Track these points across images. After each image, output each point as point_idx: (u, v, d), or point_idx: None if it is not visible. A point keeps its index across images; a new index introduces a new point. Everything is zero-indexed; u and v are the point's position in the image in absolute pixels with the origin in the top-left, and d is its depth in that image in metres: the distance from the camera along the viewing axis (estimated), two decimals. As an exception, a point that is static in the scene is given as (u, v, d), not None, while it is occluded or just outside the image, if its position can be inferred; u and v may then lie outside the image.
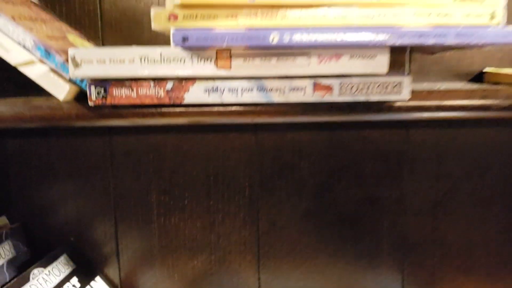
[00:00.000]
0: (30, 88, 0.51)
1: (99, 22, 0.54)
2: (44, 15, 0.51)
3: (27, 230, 0.57)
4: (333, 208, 0.57)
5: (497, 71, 0.49)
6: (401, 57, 0.52)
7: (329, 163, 0.56)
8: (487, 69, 0.52)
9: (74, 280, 0.54)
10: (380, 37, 0.34)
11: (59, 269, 0.53)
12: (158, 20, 0.34)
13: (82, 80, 0.41)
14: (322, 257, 0.58)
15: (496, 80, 0.49)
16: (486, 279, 0.58)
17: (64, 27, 0.53)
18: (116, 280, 0.59)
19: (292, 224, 0.57)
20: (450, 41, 0.33)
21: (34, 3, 0.53)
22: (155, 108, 0.39)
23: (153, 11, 0.34)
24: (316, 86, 0.37)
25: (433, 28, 0.33)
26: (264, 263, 0.58)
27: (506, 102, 0.41)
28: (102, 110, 0.40)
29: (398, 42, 0.34)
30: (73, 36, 0.51)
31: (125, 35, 0.54)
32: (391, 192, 0.56)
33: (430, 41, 0.34)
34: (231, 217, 0.57)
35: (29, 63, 0.41)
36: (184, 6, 0.33)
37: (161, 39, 0.53)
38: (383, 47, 0.35)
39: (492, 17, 0.34)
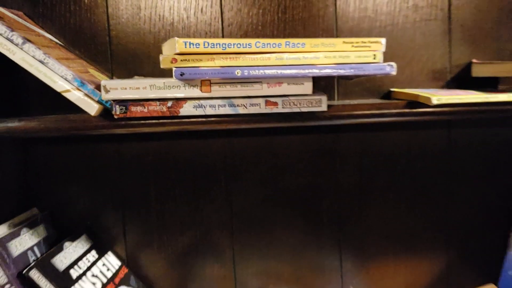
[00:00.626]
0: (63, 108, 0.68)
1: (110, 59, 0.73)
2: (70, 55, 0.70)
3: (53, 217, 0.74)
4: (285, 193, 0.76)
5: (399, 90, 0.70)
6: (331, 82, 0.73)
7: (282, 160, 0.75)
8: (392, 89, 0.73)
9: (93, 252, 0.71)
10: (304, 72, 0.54)
11: (82, 244, 0.71)
12: (164, 62, 0.53)
13: (107, 102, 0.59)
14: (279, 231, 0.77)
15: (398, 97, 0.70)
16: (398, 241, 0.78)
17: (84, 63, 0.71)
18: (123, 255, 0.76)
19: (256, 206, 0.76)
20: (347, 72, 0.54)
21: (61, 45, 0.72)
22: (159, 119, 0.58)
23: (161, 57, 0.53)
24: (267, 103, 0.57)
25: (336, 65, 0.54)
26: (236, 237, 0.77)
27: (394, 111, 0.61)
28: (122, 122, 0.58)
29: (315, 74, 0.54)
30: (93, 70, 0.70)
31: (129, 68, 0.73)
32: (328, 180, 0.76)
33: (334, 73, 0.54)
34: (211, 202, 0.76)
35: (69, 90, 0.60)
36: (180, 54, 0.53)
37: (155, 72, 0.72)
38: (307, 77, 0.55)
39: (374, 57, 0.55)
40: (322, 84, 0.72)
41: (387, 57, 0.73)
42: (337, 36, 0.72)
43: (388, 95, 0.73)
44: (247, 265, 0.78)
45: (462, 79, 0.73)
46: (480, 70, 0.71)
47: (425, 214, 0.77)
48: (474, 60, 0.73)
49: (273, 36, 0.72)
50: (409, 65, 0.73)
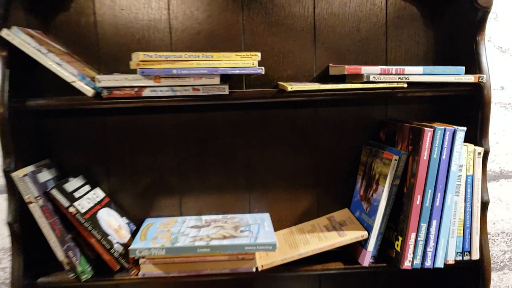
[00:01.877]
0: (71, 92, 1.07)
1: (97, 60, 1.12)
2: (72, 59, 1.08)
3: (59, 165, 1.13)
4: (213, 149, 1.17)
5: (281, 83, 1.11)
6: (240, 78, 1.14)
7: (209, 127, 1.16)
8: (279, 82, 1.14)
9: (86, 186, 1.10)
10: (212, 70, 0.95)
11: (79, 180, 1.10)
12: (132, 65, 0.93)
13: (98, 88, 0.99)
14: (209, 174, 1.18)
15: (280, 87, 1.11)
16: (287, 179, 1.19)
17: (82, 64, 1.10)
18: (107, 191, 1.16)
19: (194, 158, 1.17)
20: (237, 72, 0.95)
21: (66, 52, 1.10)
22: (130, 99, 0.98)
23: (131, 63, 0.93)
24: (193, 89, 0.97)
25: (230, 68, 0.95)
26: (182, 178, 1.17)
27: (271, 95, 1.02)
28: (107, 100, 0.98)
29: (219, 72, 0.95)
30: (87, 69, 1.09)
31: (111, 67, 1.12)
32: (240, 140, 1.17)
33: (229, 72, 0.95)
34: (165, 155, 1.16)
35: (75, 81, 0.99)
36: (142, 61, 0.93)
37: (128, 70, 1.11)
38: (215, 74, 0.96)
39: (253, 64, 0.96)
40: (235, 79, 1.13)
41: (279, 61, 1.14)
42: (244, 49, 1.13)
43: (277, 86, 1.15)
44: (189, 197, 1.18)
45: (324, 76, 1.16)
46: (333, 70, 1.13)
47: (303, 162, 1.19)
48: (330, 64, 1.15)
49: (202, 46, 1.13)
50: (291, 67, 1.15)
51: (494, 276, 1.31)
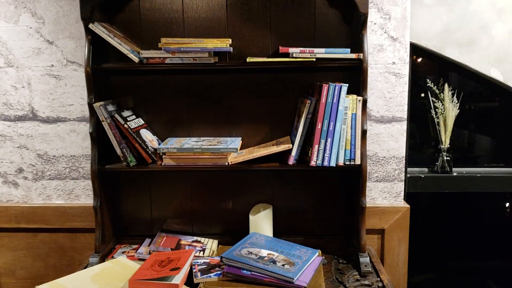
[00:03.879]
0: (125, 60, 1.84)
1: (141, 41, 1.89)
2: (126, 40, 1.85)
3: (117, 103, 1.92)
4: (211, 100, 1.92)
5: (250, 57, 1.84)
6: (225, 54, 1.89)
7: (206, 84, 1.91)
8: (248, 57, 1.87)
9: (133, 116, 1.89)
10: (203, 49, 1.70)
11: (129, 111, 1.89)
12: (160, 45, 1.70)
13: (141, 57, 1.75)
14: (208, 119, 1.94)
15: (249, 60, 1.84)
16: (253, 120, 1.94)
17: (131, 42, 1.87)
18: (145, 120, 1.95)
19: (202, 104, 1.93)
20: (217, 50, 1.69)
21: (122, 36, 1.87)
22: (160, 65, 1.74)
23: (159, 44, 1.70)
24: (193, 59, 1.73)
25: (213, 47, 1.69)
26: (188, 117, 1.94)
27: (238, 64, 1.77)
28: (146, 64, 1.75)
29: (208, 50, 1.69)
30: (135, 45, 1.86)
31: (148, 45, 1.88)
32: (226, 93, 1.92)
33: (212, 50, 1.70)
34: (179, 100, 1.93)
35: (129, 54, 1.76)
36: (165, 43, 1.69)
37: (158, 47, 1.87)
38: (205, 51, 1.71)
39: (227, 45, 1.70)
40: (222, 54, 1.87)
41: (248, 44, 1.87)
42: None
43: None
44: (193, 126, 1.95)
45: (276, 54, 1.88)
46: (281, 50, 1.85)
47: (263, 108, 1.93)
48: (280, 46, 1.87)
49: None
50: (256, 47, 1.88)
51: (388, 185, 2.02)
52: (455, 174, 2.22)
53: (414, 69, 2.19)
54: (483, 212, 2.47)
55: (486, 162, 2.36)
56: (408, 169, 2.15)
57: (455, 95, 2.15)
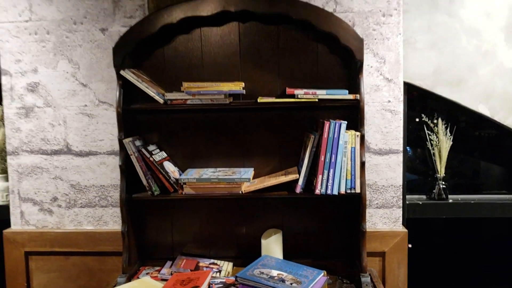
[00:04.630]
0: (151, 101, 2.09)
1: (165, 84, 2.15)
2: (152, 84, 2.11)
3: (143, 139, 2.17)
4: (227, 135, 2.16)
5: (260, 98, 2.09)
6: (239, 95, 2.14)
7: (230, 121, 2.16)
8: (259, 97, 2.11)
9: (157, 149, 2.13)
10: (219, 91, 1.94)
11: (154, 146, 2.13)
12: (182, 88, 1.95)
13: (165, 99, 2.00)
14: (224, 152, 2.17)
15: (260, 100, 2.08)
16: (264, 153, 2.17)
17: (156, 85, 2.12)
18: (168, 154, 2.19)
19: (219, 139, 2.17)
20: (232, 92, 1.94)
21: (149, 80, 2.13)
22: (181, 105, 1.99)
23: (182, 87, 1.95)
24: (211, 100, 1.98)
25: (228, 90, 1.94)
26: (212, 148, 2.18)
27: (250, 104, 2.01)
28: (170, 105, 2.00)
29: (223, 93, 1.94)
30: (160, 88, 2.11)
31: (172, 88, 2.14)
32: (241, 129, 2.16)
33: (228, 92, 1.94)
34: (204, 134, 2.17)
35: (155, 96, 2.01)
36: (186, 87, 1.94)
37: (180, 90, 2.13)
38: (221, 93, 1.96)
39: (240, 88, 1.95)
40: (235, 96, 2.11)
41: (259, 85, 2.11)
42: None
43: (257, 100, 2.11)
44: (211, 159, 2.18)
45: (283, 95, 2.12)
46: (287, 91, 2.09)
47: (273, 142, 2.15)
48: (287, 88, 2.11)
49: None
50: (265, 89, 2.12)
51: (387, 211, 2.22)
52: (451, 201, 2.41)
53: (411, 105, 2.41)
54: (479, 237, 2.64)
55: (486, 189, 2.57)
56: (408, 196, 2.34)
57: (448, 129, 2.37)
